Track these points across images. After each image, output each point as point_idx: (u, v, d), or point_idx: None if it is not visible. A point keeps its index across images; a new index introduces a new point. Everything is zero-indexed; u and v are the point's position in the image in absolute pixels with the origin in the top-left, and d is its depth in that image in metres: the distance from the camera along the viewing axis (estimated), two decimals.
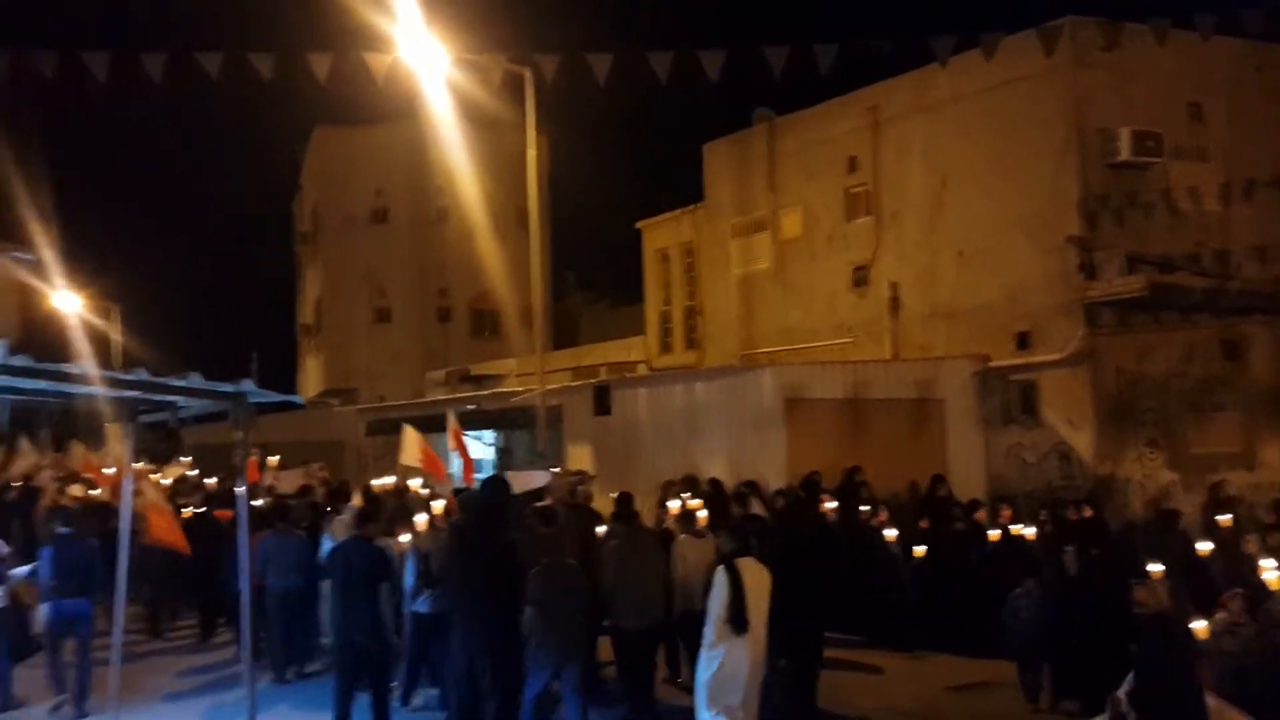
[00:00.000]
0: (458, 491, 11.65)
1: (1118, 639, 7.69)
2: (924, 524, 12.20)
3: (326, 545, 10.20)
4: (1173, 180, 16.97)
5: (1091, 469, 16.34)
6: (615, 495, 10.82)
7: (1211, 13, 9.99)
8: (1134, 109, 16.90)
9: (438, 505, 10.31)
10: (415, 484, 13.65)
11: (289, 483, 15.08)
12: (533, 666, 7.70)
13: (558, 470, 15.17)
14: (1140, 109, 16.93)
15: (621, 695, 9.15)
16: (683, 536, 9.58)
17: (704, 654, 7.62)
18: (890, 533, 11.69)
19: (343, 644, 8.38)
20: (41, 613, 9.82)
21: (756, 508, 12.41)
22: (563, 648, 7.78)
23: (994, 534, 11.73)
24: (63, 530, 9.99)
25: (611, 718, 8.99)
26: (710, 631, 7.55)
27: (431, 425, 25.18)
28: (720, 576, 7.56)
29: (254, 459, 16.83)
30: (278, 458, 17.44)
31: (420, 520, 9.61)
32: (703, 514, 10.31)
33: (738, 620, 7.39)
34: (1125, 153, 16.49)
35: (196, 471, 20.34)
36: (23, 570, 10.11)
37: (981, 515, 12.61)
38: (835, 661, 10.29)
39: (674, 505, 10.64)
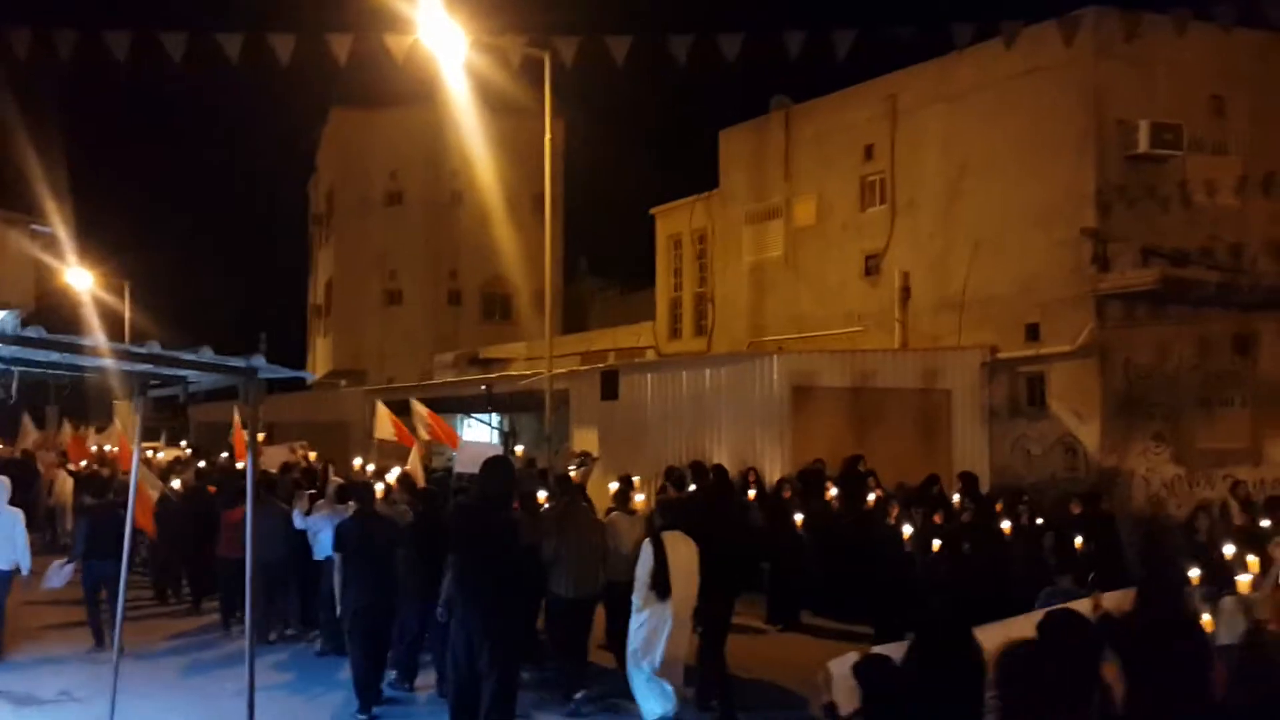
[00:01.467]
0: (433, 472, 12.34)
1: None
2: (938, 518, 12.03)
3: (297, 520, 11.20)
4: (1190, 173, 16.82)
5: (1097, 462, 16.28)
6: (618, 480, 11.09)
7: (1232, 3, 9.90)
8: (1154, 101, 16.73)
9: (391, 477, 11.40)
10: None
11: (272, 459, 15.54)
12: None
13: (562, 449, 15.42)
14: (1160, 101, 16.77)
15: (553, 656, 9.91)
16: (615, 514, 10.33)
17: (633, 618, 8.40)
18: (906, 530, 11.55)
19: (356, 612, 8.91)
20: (65, 573, 11.30)
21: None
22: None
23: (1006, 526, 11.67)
24: (91, 500, 11.75)
25: (541, 678, 9.76)
26: (638, 598, 8.30)
27: (439, 407, 25.30)
28: (646, 548, 8.35)
29: (240, 435, 17.51)
30: (264, 434, 17.67)
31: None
32: (640, 497, 11.29)
33: (660, 587, 8.15)
34: (1144, 145, 16.30)
35: (191, 450, 20.69)
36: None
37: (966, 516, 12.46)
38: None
39: (613, 486, 11.05)
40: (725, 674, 9.06)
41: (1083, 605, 6.12)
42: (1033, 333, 17.13)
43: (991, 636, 5.33)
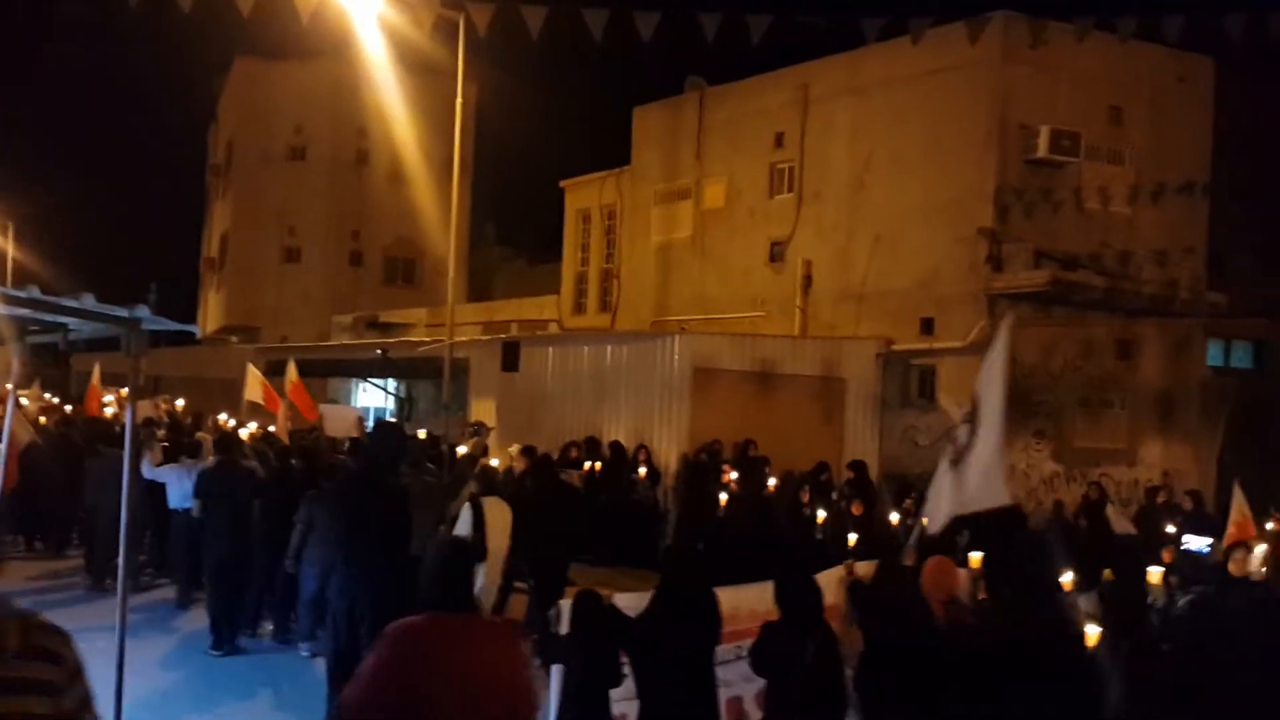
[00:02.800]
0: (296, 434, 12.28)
1: None
2: (857, 509, 11.93)
3: (145, 470, 10.88)
4: (1085, 179, 17.39)
5: None
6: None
7: (1132, 16, 10.20)
8: (1055, 107, 17.23)
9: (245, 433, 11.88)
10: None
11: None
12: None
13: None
14: (1061, 108, 17.27)
15: None
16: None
17: None
18: (821, 514, 11.25)
19: (217, 559, 9.26)
20: None
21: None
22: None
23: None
24: None
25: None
26: None
27: (335, 370, 24.82)
28: (465, 512, 9.04)
29: (95, 388, 17.44)
30: (126, 389, 17.85)
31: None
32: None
33: (478, 548, 8.57)
34: (1043, 150, 16.79)
35: (57, 399, 20.26)
36: None
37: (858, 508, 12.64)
38: None
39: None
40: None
41: (836, 573, 6.82)
42: (927, 327, 17.54)
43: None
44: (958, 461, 7.00)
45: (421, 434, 16.83)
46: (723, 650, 5.82)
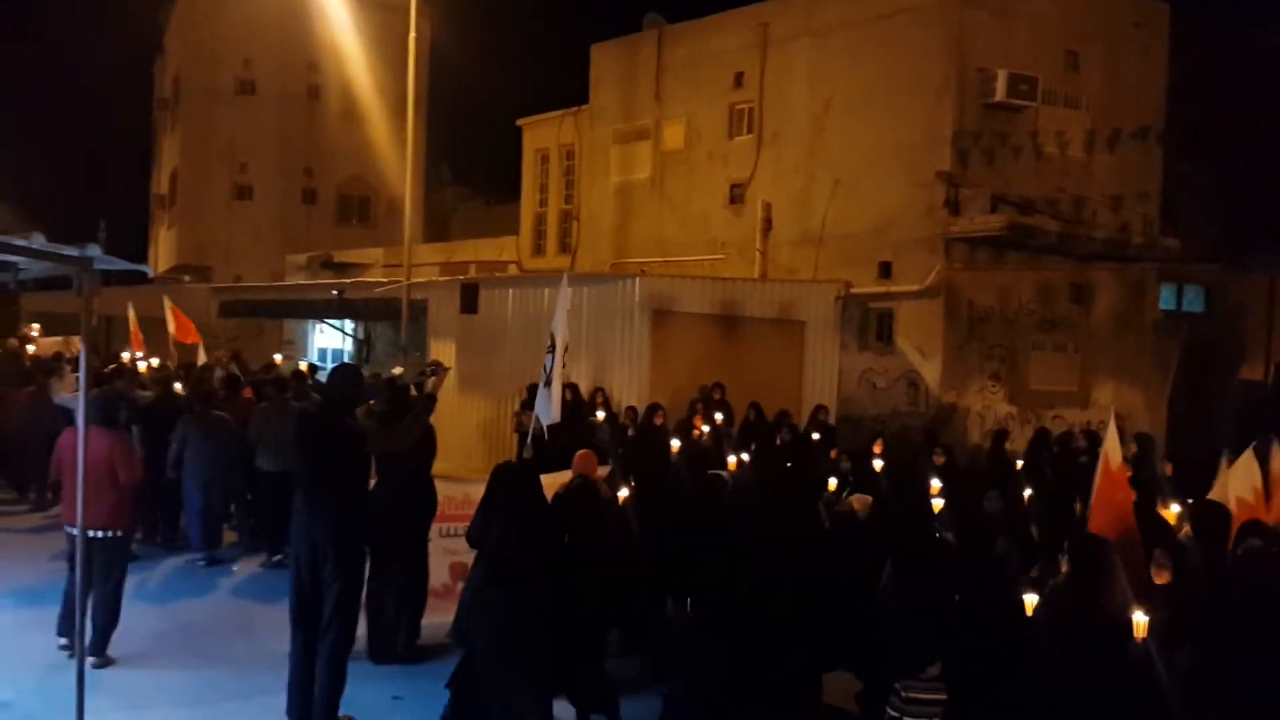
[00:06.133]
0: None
1: None
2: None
3: (56, 399, 12.23)
4: (1042, 124, 17.47)
5: (936, 397, 17.02)
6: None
7: None
8: (1013, 51, 17.23)
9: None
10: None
11: (45, 348, 17.17)
12: None
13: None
14: (1019, 52, 17.28)
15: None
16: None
17: None
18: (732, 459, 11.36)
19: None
20: None
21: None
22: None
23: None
24: None
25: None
26: None
27: (290, 311, 24.51)
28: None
29: (28, 329, 17.94)
30: (38, 326, 19.67)
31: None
32: None
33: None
34: (1001, 94, 16.81)
35: None
36: None
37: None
38: None
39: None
40: None
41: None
42: (885, 271, 17.65)
43: None
44: (549, 384, 9.20)
45: (398, 371, 16.79)
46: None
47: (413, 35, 17.54)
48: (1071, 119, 17.78)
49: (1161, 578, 6.14)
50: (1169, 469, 10.96)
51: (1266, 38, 19.19)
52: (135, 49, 45.58)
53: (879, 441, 12.35)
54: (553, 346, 9.27)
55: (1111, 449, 7.20)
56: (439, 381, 8.28)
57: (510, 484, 6.76)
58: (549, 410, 9.22)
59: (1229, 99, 18.33)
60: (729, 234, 20.16)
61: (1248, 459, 7.96)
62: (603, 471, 8.36)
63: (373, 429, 7.99)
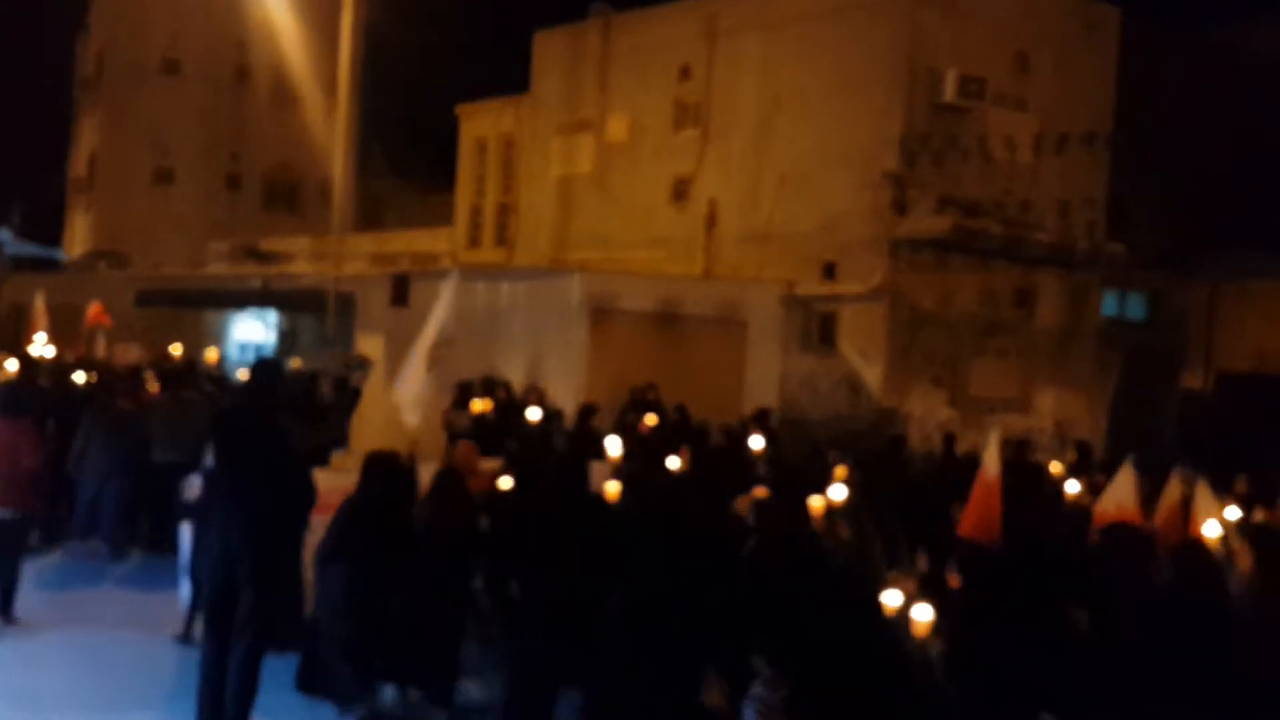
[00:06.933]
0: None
1: None
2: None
3: None
4: (990, 126, 17.31)
5: (878, 401, 16.77)
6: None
7: None
8: (963, 52, 17.06)
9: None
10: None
11: None
12: None
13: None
14: (969, 53, 17.11)
15: None
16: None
17: None
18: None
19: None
20: None
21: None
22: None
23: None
24: None
25: None
26: None
27: (211, 301, 23.57)
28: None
29: None
30: None
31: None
32: None
33: None
34: (950, 94, 16.67)
35: None
36: None
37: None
38: None
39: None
40: None
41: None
42: (830, 271, 17.37)
43: None
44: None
45: (295, 363, 16.13)
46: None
47: (347, 15, 16.85)
48: (1020, 122, 17.64)
49: (954, 581, 6.36)
50: (1102, 481, 10.84)
51: (1215, 44, 19.30)
52: (58, 25, 43.89)
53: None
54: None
55: (990, 460, 7.55)
56: (362, 377, 7.78)
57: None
58: (412, 388, 9.01)
59: (1177, 105, 18.34)
60: (672, 230, 19.74)
61: (1127, 473, 8.29)
62: (491, 464, 8.53)
63: (296, 426, 7.58)
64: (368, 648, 6.95)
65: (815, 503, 7.84)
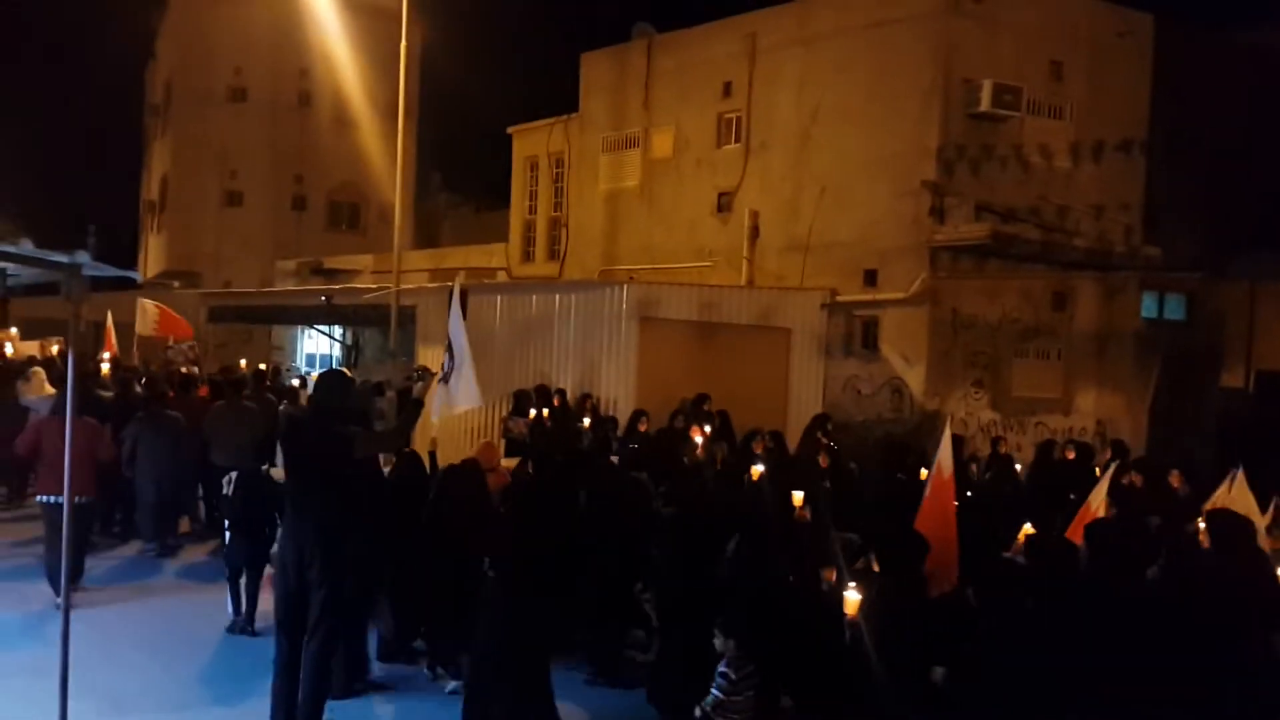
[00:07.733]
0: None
1: None
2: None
3: (24, 400, 12.39)
4: (1026, 135, 17.63)
5: (920, 404, 17.15)
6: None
7: None
8: (998, 62, 17.38)
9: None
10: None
11: (21, 350, 17.65)
12: None
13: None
14: (1004, 62, 17.43)
15: None
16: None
17: None
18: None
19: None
20: None
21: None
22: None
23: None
24: None
25: None
26: None
27: (279, 317, 24.57)
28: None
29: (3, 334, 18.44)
30: (15, 330, 20.28)
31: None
32: None
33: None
34: (986, 104, 16.92)
35: None
36: None
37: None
38: None
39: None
40: None
41: None
42: (870, 278, 17.78)
43: None
44: (446, 379, 9.72)
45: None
46: None
47: (404, 43, 17.67)
48: (1055, 129, 17.95)
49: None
50: (1138, 480, 11.07)
51: (1248, 46, 19.40)
52: (127, 54, 45.60)
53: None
54: (450, 350, 9.86)
55: (944, 458, 7.60)
56: (425, 387, 8.34)
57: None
58: (472, 396, 9.87)
59: (1211, 108, 18.49)
60: (716, 242, 20.28)
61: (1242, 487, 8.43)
62: (510, 463, 9.66)
63: (359, 433, 8.10)
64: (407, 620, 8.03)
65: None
